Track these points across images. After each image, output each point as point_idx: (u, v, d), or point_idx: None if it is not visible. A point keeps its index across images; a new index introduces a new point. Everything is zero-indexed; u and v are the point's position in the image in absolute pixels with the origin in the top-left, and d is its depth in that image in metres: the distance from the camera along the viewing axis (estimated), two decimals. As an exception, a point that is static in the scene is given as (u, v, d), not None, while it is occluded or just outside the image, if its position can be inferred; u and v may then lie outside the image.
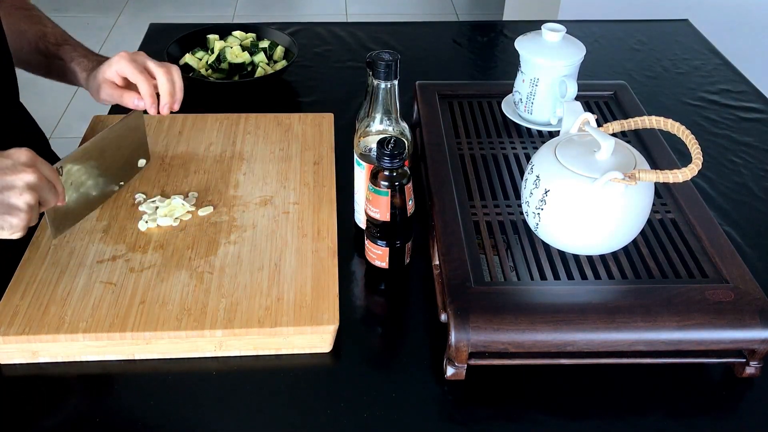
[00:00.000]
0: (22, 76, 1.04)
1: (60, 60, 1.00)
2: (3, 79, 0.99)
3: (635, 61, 1.37)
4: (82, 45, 1.03)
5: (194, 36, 1.27)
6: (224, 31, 1.29)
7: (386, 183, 0.77)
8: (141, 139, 0.97)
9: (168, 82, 0.89)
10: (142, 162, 0.97)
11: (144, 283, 0.79)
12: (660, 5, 2.02)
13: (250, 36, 1.27)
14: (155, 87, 0.90)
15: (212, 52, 1.23)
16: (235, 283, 0.79)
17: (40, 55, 1.02)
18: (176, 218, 0.88)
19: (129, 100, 0.90)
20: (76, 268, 0.81)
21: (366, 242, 0.83)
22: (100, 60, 0.97)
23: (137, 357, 0.75)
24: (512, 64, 1.08)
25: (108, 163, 0.90)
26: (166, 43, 1.24)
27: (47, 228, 0.85)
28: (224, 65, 1.22)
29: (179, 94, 0.90)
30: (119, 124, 0.91)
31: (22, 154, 0.73)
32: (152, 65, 0.90)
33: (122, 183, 0.94)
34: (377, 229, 0.81)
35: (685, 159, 0.77)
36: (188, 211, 0.89)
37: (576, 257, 0.78)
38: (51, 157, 1.02)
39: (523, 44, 0.99)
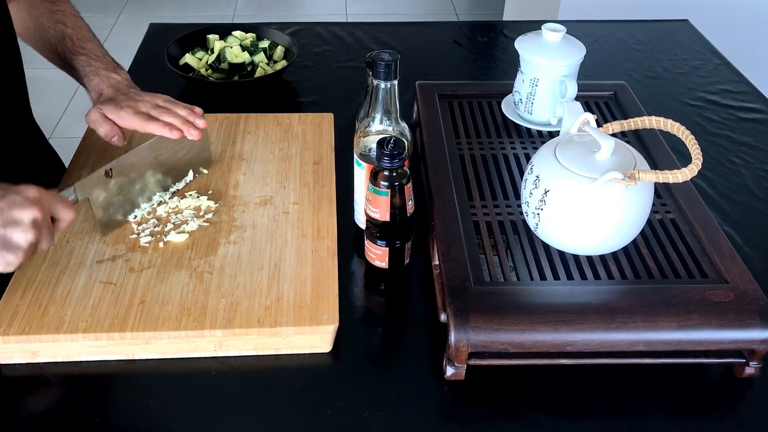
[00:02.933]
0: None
1: (75, 71, 0.97)
2: (15, 97, 0.96)
3: (635, 61, 1.37)
4: (100, 52, 0.98)
5: (194, 36, 1.27)
6: (224, 31, 1.29)
7: (386, 183, 0.77)
8: (202, 146, 0.96)
9: (172, 116, 0.90)
10: (202, 169, 0.97)
11: (144, 283, 0.79)
12: (660, 5, 2.02)
13: (250, 36, 1.27)
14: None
15: (212, 52, 1.23)
16: (234, 283, 0.79)
17: (59, 58, 0.99)
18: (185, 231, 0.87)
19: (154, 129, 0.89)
20: (75, 268, 0.81)
21: (366, 242, 0.83)
22: (111, 82, 0.94)
23: (137, 357, 0.75)
24: (512, 64, 1.08)
25: (162, 168, 0.91)
26: (166, 43, 1.24)
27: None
28: (224, 65, 1.22)
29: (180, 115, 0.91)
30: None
31: (30, 190, 0.71)
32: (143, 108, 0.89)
33: (174, 186, 0.94)
34: (377, 229, 0.81)
35: (685, 159, 0.77)
36: (206, 220, 0.89)
37: (576, 257, 0.78)
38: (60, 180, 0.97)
39: (523, 44, 0.99)
